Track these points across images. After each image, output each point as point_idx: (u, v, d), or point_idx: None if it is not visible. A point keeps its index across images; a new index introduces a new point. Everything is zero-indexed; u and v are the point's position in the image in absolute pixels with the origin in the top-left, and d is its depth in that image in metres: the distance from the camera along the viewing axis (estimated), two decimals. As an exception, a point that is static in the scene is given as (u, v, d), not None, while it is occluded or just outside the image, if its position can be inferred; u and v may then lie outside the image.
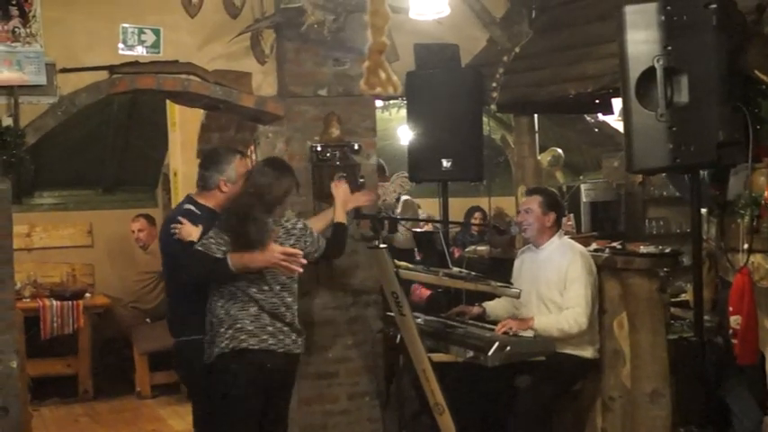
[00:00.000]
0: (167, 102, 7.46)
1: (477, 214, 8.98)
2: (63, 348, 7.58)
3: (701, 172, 4.13)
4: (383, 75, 4.68)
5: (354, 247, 5.30)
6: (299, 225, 4.32)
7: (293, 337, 4.18)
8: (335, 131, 5.35)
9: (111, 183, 9.22)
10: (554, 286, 4.68)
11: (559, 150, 8.81)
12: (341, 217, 4.75)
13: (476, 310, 5.05)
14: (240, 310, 4.06)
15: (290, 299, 4.19)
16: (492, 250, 5.91)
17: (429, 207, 9.13)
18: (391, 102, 7.50)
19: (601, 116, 8.24)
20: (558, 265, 4.69)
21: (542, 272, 4.76)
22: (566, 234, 5.13)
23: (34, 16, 4.71)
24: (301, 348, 4.29)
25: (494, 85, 5.76)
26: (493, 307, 5.07)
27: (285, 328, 4.13)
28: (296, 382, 4.52)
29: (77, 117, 5.29)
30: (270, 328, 4.08)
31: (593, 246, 4.99)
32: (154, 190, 9.39)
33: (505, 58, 5.86)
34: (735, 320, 3.88)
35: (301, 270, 4.09)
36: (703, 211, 4.35)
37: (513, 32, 5.95)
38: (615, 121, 7.83)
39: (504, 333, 4.52)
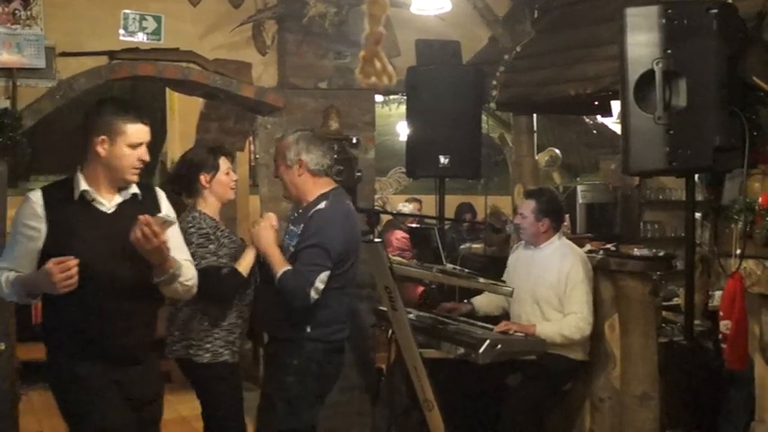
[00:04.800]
0: (167, 90, 7.46)
1: (467, 216, 9.01)
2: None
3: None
4: (378, 65, 4.70)
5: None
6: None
7: None
8: (335, 124, 5.35)
9: (108, 169, 9.20)
10: (551, 289, 4.67)
11: (557, 151, 8.82)
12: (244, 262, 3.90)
13: (464, 307, 5.05)
14: None
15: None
16: (487, 248, 5.92)
17: (426, 203, 9.17)
18: (391, 97, 7.52)
19: (599, 118, 8.28)
20: (559, 267, 4.67)
21: (540, 271, 4.75)
22: (561, 235, 5.13)
23: (35, -1, 4.72)
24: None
25: (494, 83, 5.76)
26: (480, 302, 5.08)
27: None
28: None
29: (76, 102, 5.27)
30: None
31: (588, 247, 5.00)
32: (151, 178, 9.38)
33: (507, 57, 5.86)
34: (725, 325, 3.89)
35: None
36: (698, 215, 4.36)
37: (516, 31, 5.96)
38: (614, 124, 7.85)
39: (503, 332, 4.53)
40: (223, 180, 4.09)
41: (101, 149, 3.21)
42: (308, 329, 3.98)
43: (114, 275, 3.18)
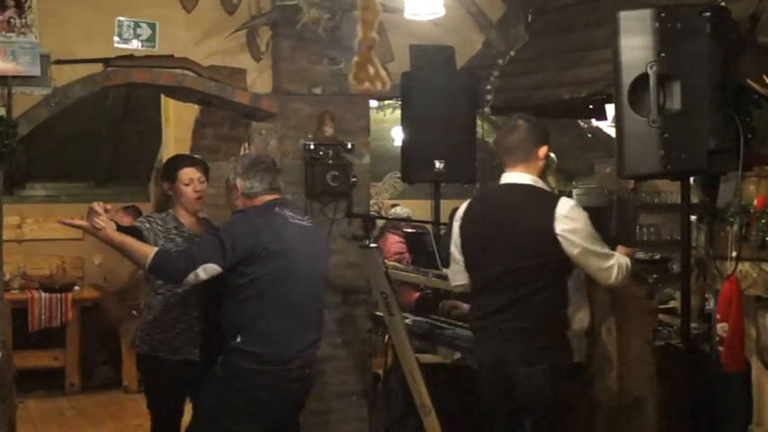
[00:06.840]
0: (162, 97, 7.46)
1: None
2: (50, 341, 7.57)
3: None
4: (372, 70, 4.71)
5: (344, 246, 5.30)
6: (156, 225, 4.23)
7: None
8: (329, 130, 5.35)
9: (103, 176, 9.21)
10: None
11: (552, 155, 8.79)
12: None
13: (466, 306, 5.04)
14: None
15: None
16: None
17: (421, 208, 9.15)
18: (386, 102, 7.51)
19: (594, 122, 8.29)
20: None
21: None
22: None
23: (30, 7, 4.71)
24: None
25: (488, 87, 5.77)
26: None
27: None
28: None
29: (71, 109, 5.28)
30: None
31: (584, 250, 4.99)
32: (146, 184, 9.38)
33: (501, 62, 5.87)
34: (722, 328, 3.89)
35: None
36: (693, 218, 4.36)
37: (509, 36, 5.97)
38: (608, 127, 7.86)
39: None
40: (181, 190, 4.28)
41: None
42: (238, 339, 3.80)
43: None
